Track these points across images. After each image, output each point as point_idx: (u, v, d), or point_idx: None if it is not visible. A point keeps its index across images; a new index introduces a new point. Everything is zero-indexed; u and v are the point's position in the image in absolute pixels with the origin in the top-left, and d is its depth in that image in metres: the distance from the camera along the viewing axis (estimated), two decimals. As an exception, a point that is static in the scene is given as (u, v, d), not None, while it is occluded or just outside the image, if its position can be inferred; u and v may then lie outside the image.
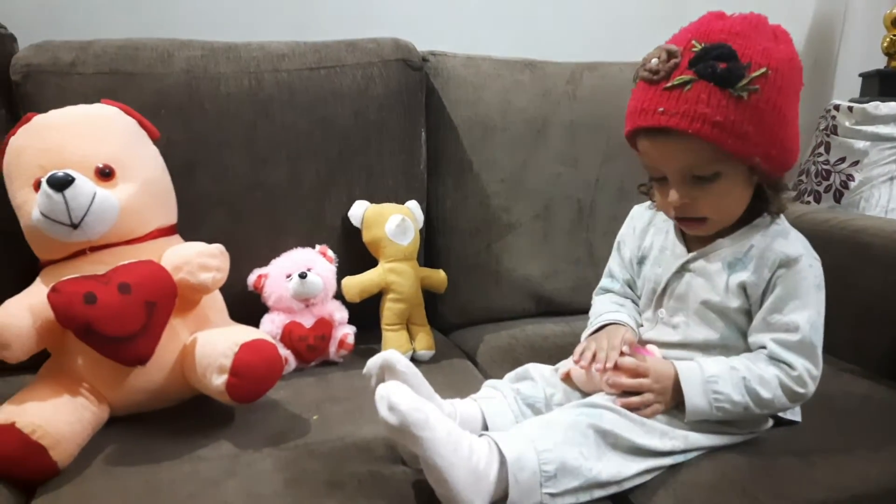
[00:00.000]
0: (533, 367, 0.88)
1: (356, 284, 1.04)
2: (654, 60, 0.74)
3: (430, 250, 1.23)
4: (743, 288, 0.79)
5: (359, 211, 1.09)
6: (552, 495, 0.70)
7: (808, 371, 0.78)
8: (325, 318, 1.02)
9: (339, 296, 1.05)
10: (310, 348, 1.01)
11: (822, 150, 1.57)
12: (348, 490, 0.71)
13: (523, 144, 1.23)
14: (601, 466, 0.73)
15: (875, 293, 1.06)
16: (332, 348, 1.03)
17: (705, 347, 0.83)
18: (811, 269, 0.78)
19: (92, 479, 0.74)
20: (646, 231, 0.92)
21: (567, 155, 1.25)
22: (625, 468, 0.74)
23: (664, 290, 0.86)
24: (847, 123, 1.52)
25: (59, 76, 0.97)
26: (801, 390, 0.78)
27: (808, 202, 1.57)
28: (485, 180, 1.22)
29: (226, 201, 1.05)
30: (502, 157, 1.22)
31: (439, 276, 1.14)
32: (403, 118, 1.15)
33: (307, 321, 1.01)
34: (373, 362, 0.76)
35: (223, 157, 1.04)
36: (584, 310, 1.00)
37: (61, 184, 0.77)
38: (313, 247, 1.07)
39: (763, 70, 0.70)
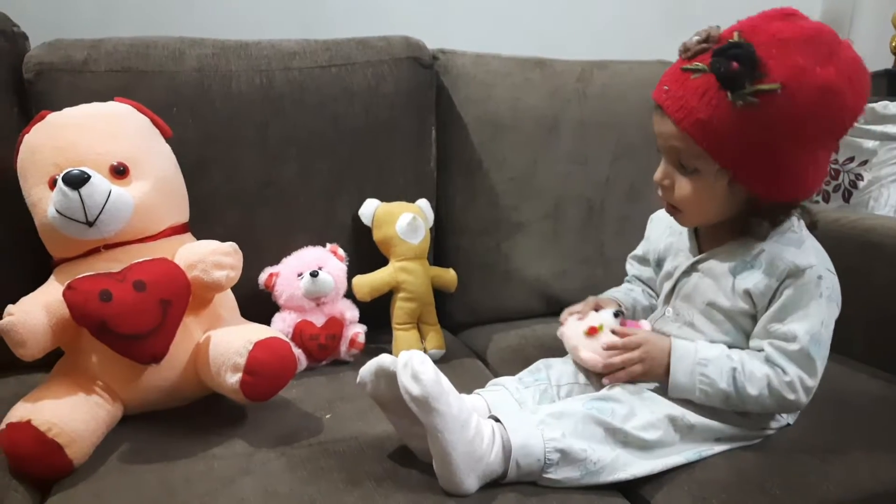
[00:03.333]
0: (543, 361, 0.91)
1: (366, 283, 1.04)
2: (695, 38, 0.72)
3: (439, 249, 1.23)
4: (749, 294, 0.78)
5: (369, 209, 1.08)
6: (551, 479, 0.72)
7: (800, 379, 0.76)
8: (336, 317, 1.02)
9: (349, 295, 1.05)
10: (321, 347, 1.00)
11: (830, 149, 1.57)
12: (365, 488, 0.71)
13: (533, 143, 1.23)
14: (607, 462, 0.74)
15: (886, 292, 1.06)
16: (343, 347, 1.03)
17: None
18: (820, 280, 0.75)
19: (107, 476, 0.74)
20: (662, 235, 0.93)
21: (577, 154, 1.25)
22: (635, 467, 0.75)
23: (673, 288, 0.87)
24: (856, 123, 1.51)
25: (72, 74, 0.97)
26: (790, 396, 0.76)
27: (817, 202, 1.57)
28: (494, 179, 1.22)
29: (237, 199, 1.05)
30: (512, 156, 1.22)
31: (449, 274, 1.14)
32: (413, 116, 1.15)
33: (318, 320, 1.01)
34: (366, 370, 0.74)
35: (235, 155, 1.04)
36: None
37: (77, 181, 0.77)
38: (324, 245, 1.07)
39: (774, 86, 0.66)
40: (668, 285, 0.88)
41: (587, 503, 0.72)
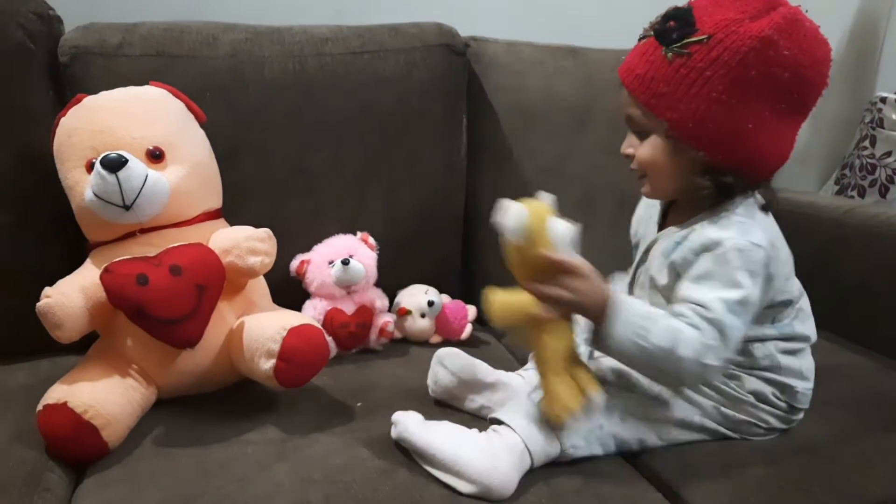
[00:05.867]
0: None
1: (503, 302, 0.73)
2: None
3: (467, 242, 1.21)
4: (674, 268, 0.77)
5: (519, 216, 0.71)
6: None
7: (718, 345, 0.70)
8: (367, 306, 1.02)
9: (379, 283, 1.05)
10: (351, 335, 1.00)
11: (867, 143, 1.53)
12: (400, 477, 0.70)
13: (565, 133, 1.21)
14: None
15: (928, 290, 1.04)
16: (373, 336, 1.03)
17: None
18: (739, 253, 0.72)
19: (142, 459, 0.75)
20: (641, 220, 0.93)
21: (610, 144, 1.20)
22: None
23: (633, 275, 0.88)
24: (894, 116, 1.48)
25: (106, 58, 0.97)
26: (709, 361, 0.70)
27: (852, 196, 1.54)
28: (525, 169, 1.20)
29: (268, 186, 1.05)
30: (543, 146, 1.21)
31: None
32: (445, 104, 1.14)
33: (348, 308, 1.00)
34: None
35: (267, 141, 1.04)
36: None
37: (115, 165, 0.77)
38: (355, 233, 1.07)
39: (701, 37, 0.69)
40: (631, 271, 0.89)
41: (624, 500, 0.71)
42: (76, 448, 0.73)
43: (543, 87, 1.20)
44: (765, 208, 0.78)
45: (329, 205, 1.08)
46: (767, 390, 0.80)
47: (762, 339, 0.80)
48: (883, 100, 1.50)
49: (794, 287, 0.82)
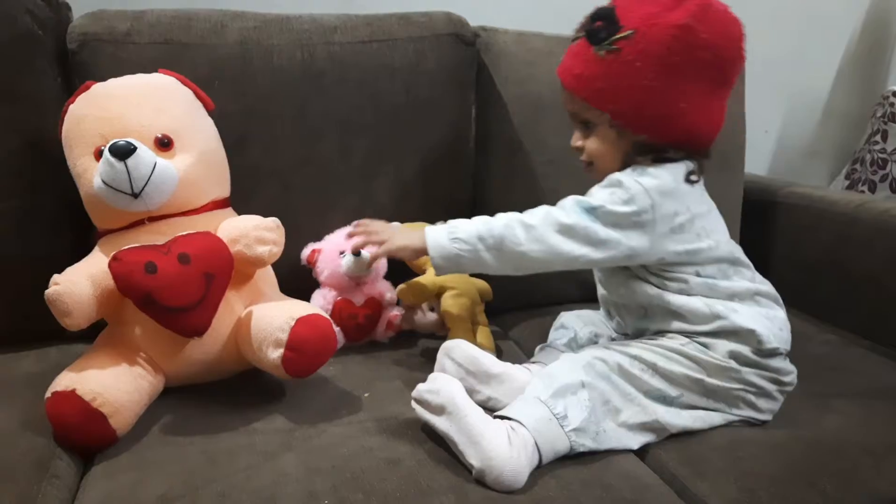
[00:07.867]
0: (561, 318, 1.01)
1: (413, 286, 1.00)
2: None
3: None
4: None
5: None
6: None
7: (548, 213, 0.80)
8: (375, 298, 1.01)
9: (389, 276, 1.04)
10: (358, 327, 1.00)
11: (878, 138, 1.52)
12: (408, 468, 0.70)
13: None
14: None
15: (940, 286, 1.03)
16: (380, 328, 1.02)
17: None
18: (618, 181, 0.79)
19: (150, 447, 0.75)
20: None
21: (619, 137, 1.22)
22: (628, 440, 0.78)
23: None
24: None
25: (115, 45, 0.97)
26: (531, 221, 0.79)
27: (863, 191, 1.53)
28: (534, 160, 1.19)
29: (276, 175, 1.04)
30: (552, 137, 1.19)
31: (483, 283, 1.08)
32: (454, 95, 1.13)
33: (357, 299, 1.00)
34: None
35: (274, 130, 1.03)
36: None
37: (124, 152, 0.76)
38: (364, 224, 1.06)
39: (627, 33, 0.77)
40: None
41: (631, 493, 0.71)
42: (84, 435, 0.74)
43: (553, 79, 1.17)
44: (688, 179, 0.82)
45: (337, 194, 1.08)
46: (742, 349, 0.80)
47: (688, 294, 0.82)
48: (895, 94, 1.49)
49: (708, 244, 0.82)
